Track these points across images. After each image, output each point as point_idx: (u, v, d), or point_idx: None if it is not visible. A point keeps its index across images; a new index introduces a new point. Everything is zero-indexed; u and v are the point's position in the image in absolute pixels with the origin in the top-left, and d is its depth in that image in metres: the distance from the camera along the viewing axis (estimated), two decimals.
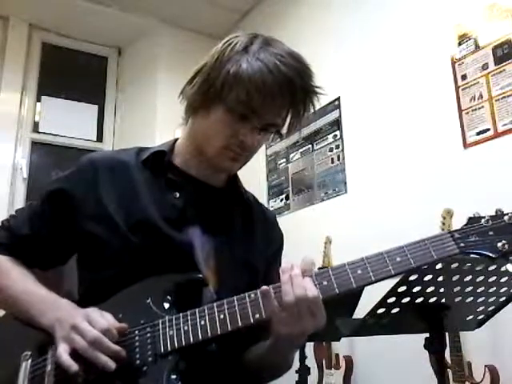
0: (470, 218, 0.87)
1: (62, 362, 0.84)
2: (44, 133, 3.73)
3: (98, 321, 0.86)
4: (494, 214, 0.86)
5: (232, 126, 0.97)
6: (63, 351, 0.85)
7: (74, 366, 0.83)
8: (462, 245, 0.84)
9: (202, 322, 0.86)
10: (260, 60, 0.93)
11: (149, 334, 0.88)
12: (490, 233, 0.84)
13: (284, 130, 1.04)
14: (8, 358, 0.96)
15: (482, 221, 0.85)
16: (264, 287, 0.86)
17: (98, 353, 0.83)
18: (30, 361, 0.91)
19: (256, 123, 0.97)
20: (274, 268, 1.13)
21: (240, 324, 0.85)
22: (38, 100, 3.77)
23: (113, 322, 0.87)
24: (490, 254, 0.83)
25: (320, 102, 1.03)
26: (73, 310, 0.91)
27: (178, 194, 1.03)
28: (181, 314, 0.88)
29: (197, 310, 0.88)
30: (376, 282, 0.85)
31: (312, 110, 1.02)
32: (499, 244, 0.83)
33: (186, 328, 0.87)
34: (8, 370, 0.93)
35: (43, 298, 0.96)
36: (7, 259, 1.03)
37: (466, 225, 0.87)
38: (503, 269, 1.09)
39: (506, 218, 0.84)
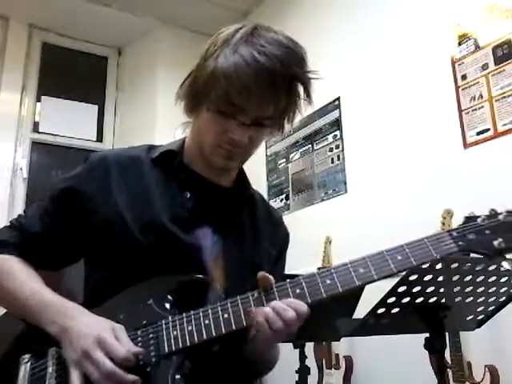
0: (466, 218, 0.90)
1: None
2: (44, 133, 3.73)
3: (114, 348, 0.81)
4: (488, 213, 0.89)
5: (218, 124, 0.95)
6: (76, 380, 0.81)
7: None
8: (460, 243, 0.86)
9: (207, 322, 0.86)
10: (237, 52, 0.90)
11: (151, 335, 0.87)
12: (487, 231, 0.87)
13: (281, 122, 1.01)
14: (6, 361, 0.94)
15: (479, 220, 0.88)
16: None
17: None
18: (29, 364, 0.90)
19: (242, 119, 0.94)
20: (276, 269, 1.12)
21: (245, 323, 0.85)
22: (38, 100, 3.77)
23: (129, 346, 0.84)
24: (488, 252, 0.86)
25: (316, 85, 0.98)
26: (83, 326, 0.86)
27: (188, 195, 1.02)
28: (184, 314, 0.88)
29: (200, 310, 0.87)
30: (378, 279, 0.86)
31: (307, 95, 0.98)
32: (495, 242, 0.85)
33: (189, 328, 0.86)
34: (7, 374, 0.91)
35: (49, 303, 0.92)
36: (16, 260, 1.00)
37: (463, 224, 0.89)
38: (503, 269, 1.09)
39: (500, 216, 0.88)
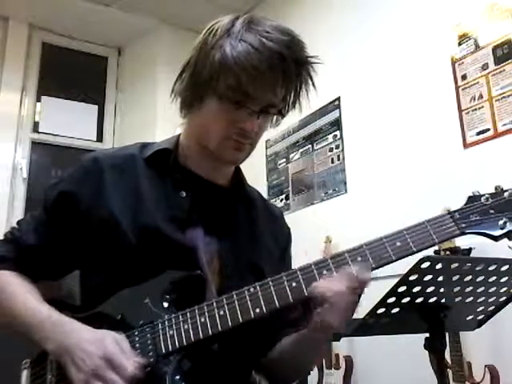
0: (469, 197, 0.85)
1: None
2: (44, 133, 3.73)
3: (123, 366, 0.80)
4: (493, 191, 0.84)
5: (228, 114, 0.93)
6: None
7: None
8: (462, 225, 0.82)
9: (202, 320, 0.84)
10: (243, 40, 0.89)
11: (149, 335, 0.86)
12: (491, 211, 0.82)
13: (285, 109, 0.99)
14: (8, 366, 0.94)
15: (482, 199, 0.83)
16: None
17: None
18: (29, 369, 0.90)
19: (253, 107, 0.93)
20: (280, 267, 1.10)
21: (241, 319, 0.83)
22: (38, 100, 3.76)
23: (135, 358, 0.82)
24: (492, 233, 0.81)
25: (316, 85, 0.99)
26: (84, 343, 0.84)
27: (184, 194, 1.00)
28: (180, 313, 0.87)
29: (196, 308, 0.86)
30: (377, 268, 0.84)
31: (311, 84, 0.98)
32: (500, 222, 0.81)
33: (186, 327, 0.85)
34: (8, 379, 0.91)
35: (43, 320, 0.90)
36: (11, 275, 0.98)
37: (465, 204, 0.85)
38: (503, 268, 1.09)
39: (506, 194, 0.82)
